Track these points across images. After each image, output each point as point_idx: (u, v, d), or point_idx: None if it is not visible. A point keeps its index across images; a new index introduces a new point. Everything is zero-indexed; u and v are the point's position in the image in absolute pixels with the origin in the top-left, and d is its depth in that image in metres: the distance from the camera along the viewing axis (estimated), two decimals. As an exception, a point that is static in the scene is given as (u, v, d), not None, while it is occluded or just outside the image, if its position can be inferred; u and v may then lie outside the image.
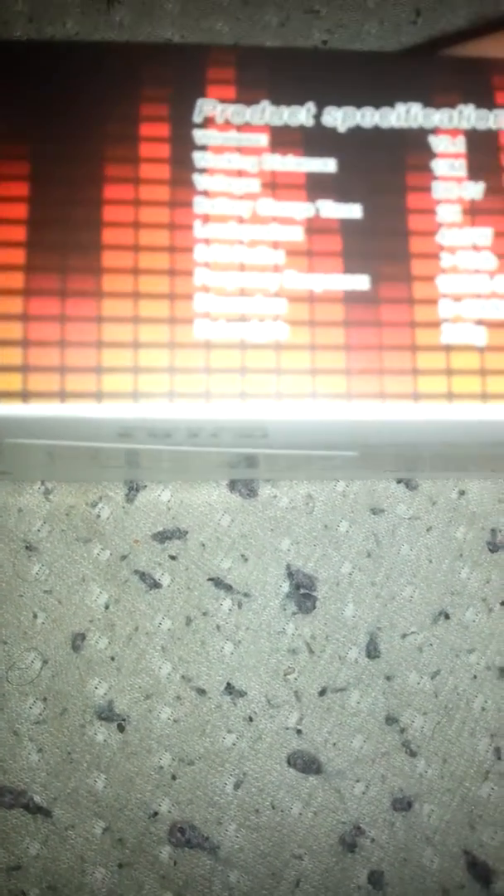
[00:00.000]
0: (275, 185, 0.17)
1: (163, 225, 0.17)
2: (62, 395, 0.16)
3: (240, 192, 0.17)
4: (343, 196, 0.17)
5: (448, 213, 0.17)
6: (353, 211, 0.17)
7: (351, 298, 0.17)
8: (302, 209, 0.17)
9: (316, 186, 0.17)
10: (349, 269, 0.17)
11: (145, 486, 0.26)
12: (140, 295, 0.16)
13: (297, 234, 0.17)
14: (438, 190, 0.17)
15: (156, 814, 0.24)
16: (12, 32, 0.30)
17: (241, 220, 0.17)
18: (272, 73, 0.18)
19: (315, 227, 0.17)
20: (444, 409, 0.16)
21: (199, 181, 0.17)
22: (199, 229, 0.17)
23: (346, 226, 0.17)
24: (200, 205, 0.17)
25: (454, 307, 0.17)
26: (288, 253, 0.17)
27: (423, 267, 0.17)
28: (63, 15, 0.30)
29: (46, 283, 0.16)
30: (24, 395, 0.16)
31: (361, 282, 0.17)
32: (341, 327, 0.17)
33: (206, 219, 0.17)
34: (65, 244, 0.16)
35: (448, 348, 0.16)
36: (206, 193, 0.17)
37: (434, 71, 0.18)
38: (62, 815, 0.24)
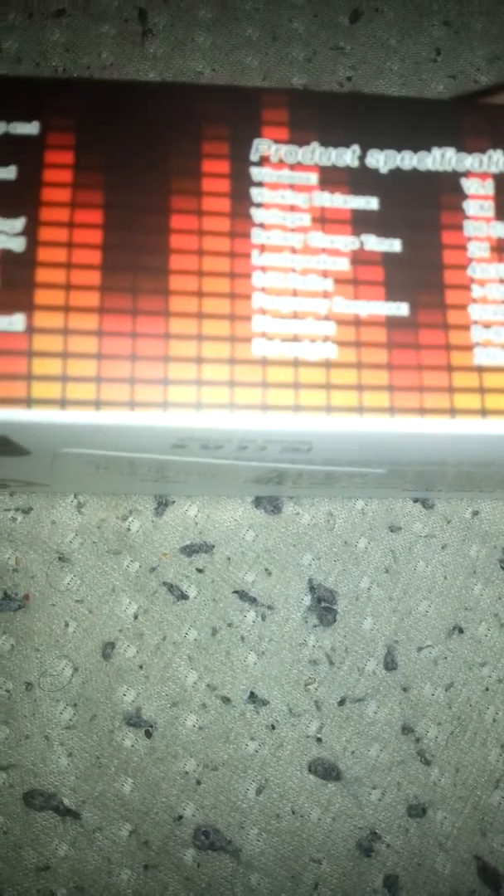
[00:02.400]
0: (324, 219, 0.19)
1: (224, 253, 0.19)
2: (132, 405, 0.18)
3: (292, 226, 0.19)
4: (384, 231, 0.20)
5: (478, 250, 0.20)
6: (394, 245, 0.19)
7: (392, 323, 0.19)
8: (348, 242, 0.19)
9: (360, 222, 0.20)
10: (390, 297, 0.19)
11: (174, 501, 0.27)
12: (203, 315, 0.18)
13: (343, 265, 0.19)
14: (469, 228, 0.20)
15: (180, 817, 0.26)
16: (50, 62, 0.31)
17: (293, 251, 0.19)
18: (321, 115, 0.20)
19: (360, 258, 0.19)
20: (477, 423, 0.18)
21: (256, 214, 0.19)
22: (256, 258, 0.19)
23: (388, 258, 0.19)
24: (257, 236, 0.19)
25: (484, 333, 0.19)
26: (336, 281, 0.19)
27: (456, 297, 0.19)
28: (99, 45, 0.32)
29: (119, 303, 0.18)
30: (98, 404, 0.18)
31: (402, 308, 0.19)
32: (384, 348, 0.19)
33: (262, 248, 0.19)
34: (136, 268, 0.19)
35: (480, 369, 0.19)
36: (262, 226, 0.19)
37: (467, 118, 0.20)
38: (90, 817, 0.25)
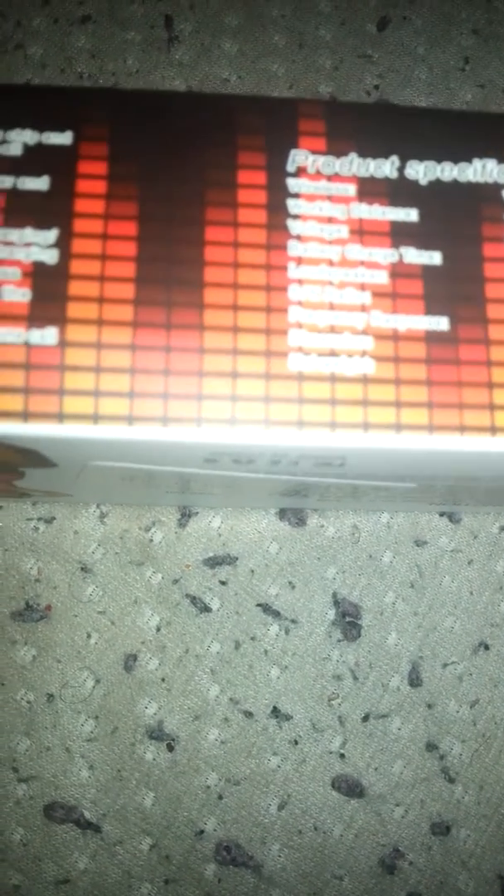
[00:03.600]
0: (362, 231, 0.19)
1: (260, 266, 0.19)
2: (165, 420, 0.18)
3: (330, 238, 0.19)
4: (424, 244, 0.19)
5: None
6: (434, 258, 0.19)
7: (432, 338, 0.19)
8: (387, 255, 0.19)
9: (399, 234, 0.19)
10: (430, 311, 0.19)
11: (197, 513, 0.28)
12: (238, 329, 0.18)
13: (382, 278, 0.19)
14: None
15: (202, 832, 0.26)
16: (75, 68, 0.32)
17: (331, 264, 0.19)
18: (358, 126, 0.20)
19: (399, 271, 0.19)
20: None
21: (293, 226, 0.19)
22: (293, 270, 0.19)
23: (427, 271, 0.19)
24: (294, 248, 0.19)
25: None
26: (374, 294, 0.19)
27: (497, 311, 0.19)
28: (124, 52, 0.32)
29: (153, 317, 0.18)
30: (130, 419, 0.18)
31: (441, 323, 0.19)
32: (423, 364, 0.18)
33: (299, 261, 0.19)
34: (170, 280, 0.18)
35: None
36: (299, 238, 0.19)
37: None
38: (111, 830, 0.25)
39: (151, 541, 0.27)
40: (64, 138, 0.19)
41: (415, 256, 0.19)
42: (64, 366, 0.17)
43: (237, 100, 0.20)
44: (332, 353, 0.18)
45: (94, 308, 0.18)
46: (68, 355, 0.18)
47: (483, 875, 0.26)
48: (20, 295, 0.18)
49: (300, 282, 0.19)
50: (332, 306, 0.19)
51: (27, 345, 0.18)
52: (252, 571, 0.27)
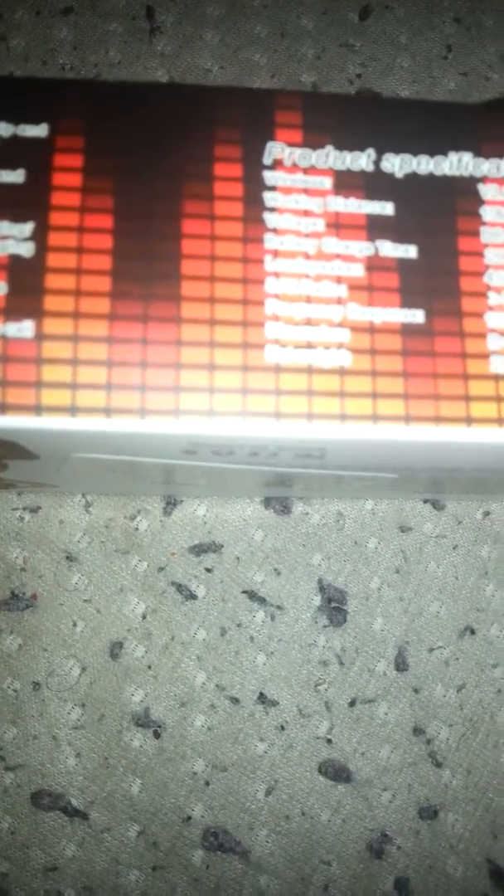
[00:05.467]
0: (338, 225, 0.19)
1: (236, 258, 0.19)
2: (142, 412, 0.18)
3: (306, 231, 0.19)
4: (400, 237, 0.20)
5: (495, 256, 0.20)
6: (409, 251, 0.20)
7: (408, 330, 0.19)
8: (363, 248, 0.19)
9: (375, 227, 0.20)
10: (406, 304, 0.19)
11: (182, 501, 0.28)
12: (215, 322, 0.19)
13: (358, 271, 0.19)
14: (486, 234, 0.20)
15: (189, 818, 0.26)
16: (57, 60, 0.32)
17: (307, 256, 0.19)
18: (335, 118, 0.20)
19: (375, 264, 0.19)
20: (494, 432, 0.18)
21: (270, 219, 0.19)
22: (270, 263, 0.19)
23: (403, 264, 0.19)
24: (270, 241, 0.19)
25: (501, 341, 0.19)
26: (350, 287, 0.19)
27: (472, 304, 0.19)
28: (106, 43, 0.32)
29: (130, 309, 0.18)
30: (108, 411, 0.18)
31: (417, 315, 0.19)
32: (399, 356, 0.19)
33: (275, 254, 0.19)
34: (147, 274, 0.19)
35: (497, 377, 0.19)
36: (275, 231, 0.19)
37: (484, 122, 0.21)
38: (98, 818, 0.26)
39: (137, 529, 0.28)
40: (39, 131, 0.19)
41: (390, 250, 0.19)
42: (41, 358, 0.18)
43: (214, 91, 0.20)
44: (309, 346, 0.19)
45: (71, 301, 0.18)
46: (45, 348, 0.18)
47: (471, 859, 0.27)
48: None
49: (277, 275, 0.19)
50: (308, 299, 0.19)
51: (3, 338, 0.18)
52: (237, 559, 0.28)
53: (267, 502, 0.28)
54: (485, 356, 0.19)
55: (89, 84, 0.20)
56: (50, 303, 0.18)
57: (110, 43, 0.32)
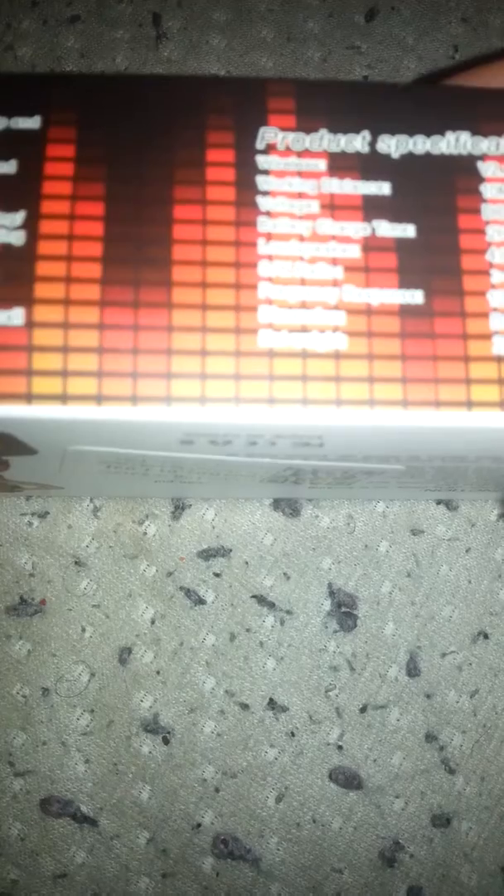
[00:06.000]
0: (333, 206, 0.19)
1: (228, 242, 0.19)
2: (134, 399, 0.18)
3: (300, 213, 0.19)
4: (397, 217, 0.19)
5: (497, 234, 0.19)
6: (408, 230, 0.19)
7: (406, 312, 0.18)
8: (359, 228, 0.19)
9: (372, 208, 0.19)
10: (404, 285, 0.19)
11: (190, 505, 0.28)
12: (208, 307, 0.18)
13: (354, 252, 0.19)
14: (487, 212, 0.19)
15: (199, 825, 0.26)
16: (65, 67, 0.32)
17: (301, 239, 0.19)
18: (329, 103, 0.20)
19: (371, 245, 0.19)
20: (496, 416, 0.18)
21: (262, 202, 0.19)
22: (263, 246, 0.19)
23: (401, 244, 0.19)
24: (263, 224, 0.19)
25: None
26: (346, 269, 0.19)
27: (474, 283, 0.19)
28: (113, 51, 0.33)
29: (120, 295, 0.18)
30: (99, 399, 0.17)
31: (416, 296, 0.19)
32: (397, 338, 0.18)
33: (268, 237, 0.19)
34: (138, 259, 0.18)
35: (499, 359, 0.18)
36: (268, 214, 0.19)
37: (481, 102, 0.20)
38: (108, 824, 0.26)
39: (145, 534, 0.28)
40: (32, 123, 0.19)
41: (388, 230, 0.19)
42: (32, 346, 0.17)
43: (205, 81, 0.20)
44: (304, 329, 0.18)
45: (62, 288, 0.18)
46: (36, 336, 0.17)
47: (486, 867, 0.26)
48: None
49: (270, 258, 0.18)
50: (303, 282, 0.18)
51: None
52: (246, 563, 0.28)
53: (276, 505, 0.28)
54: (487, 337, 0.18)
55: (82, 77, 0.20)
56: (41, 290, 0.18)
57: (117, 50, 0.33)
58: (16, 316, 0.18)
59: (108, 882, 0.26)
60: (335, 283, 0.19)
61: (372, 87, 0.21)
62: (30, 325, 0.18)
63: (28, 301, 0.18)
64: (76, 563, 0.27)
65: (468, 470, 0.23)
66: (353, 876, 0.26)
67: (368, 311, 0.18)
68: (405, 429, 0.18)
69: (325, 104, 0.20)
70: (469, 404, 0.18)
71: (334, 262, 0.19)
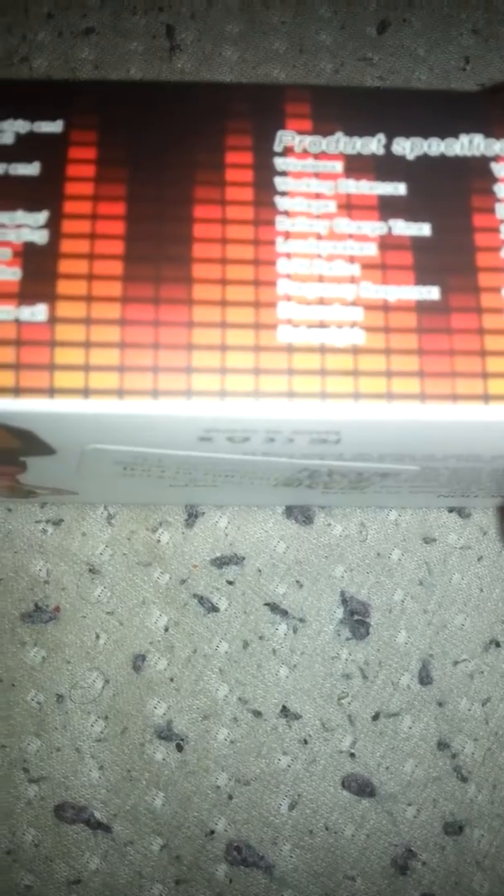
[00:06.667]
0: (350, 206, 0.19)
1: (248, 241, 0.19)
2: (155, 393, 0.18)
3: (318, 212, 0.19)
4: (413, 216, 0.19)
5: None
6: (423, 229, 0.19)
7: (423, 307, 0.19)
8: (375, 227, 0.19)
9: (388, 207, 0.19)
10: (420, 281, 0.19)
11: (203, 513, 0.28)
12: (227, 303, 0.18)
13: (371, 250, 0.19)
14: (502, 211, 0.19)
15: (212, 832, 0.26)
16: (79, 78, 0.33)
17: (319, 237, 0.19)
18: (344, 108, 0.20)
19: (388, 243, 0.19)
20: None
21: (280, 202, 0.19)
22: (281, 245, 0.19)
23: (417, 242, 0.19)
24: (282, 223, 0.19)
25: None
26: (363, 266, 0.19)
27: (489, 279, 0.19)
28: (127, 62, 0.33)
29: (142, 292, 0.18)
30: (120, 393, 0.18)
31: (432, 292, 0.19)
32: (414, 333, 0.19)
33: (287, 235, 0.19)
34: (158, 257, 0.19)
35: None
36: (286, 213, 0.19)
37: (494, 107, 0.20)
38: (122, 831, 0.26)
39: (159, 541, 0.28)
40: (55, 127, 0.19)
41: (404, 228, 0.19)
42: (54, 341, 0.18)
43: (224, 87, 0.20)
44: (322, 325, 0.18)
45: (84, 285, 0.18)
46: (58, 331, 0.18)
47: (498, 875, 0.27)
48: (10, 274, 0.18)
49: (288, 255, 0.19)
50: (321, 278, 0.19)
51: (17, 321, 0.18)
52: (259, 571, 0.28)
53: (289, 513, 0.28)
54: (503, 332, 0.19)
55: (103, 83, 0.21)
56: (63, 287, 0.18)
57: (131, 62, 0.33)
58: (39, 312, 0.18)
59: (122, 888, 0.26)
60: (353, 280, 0.19)
61: (386, 92, 0.21)
62: (52, 320, 0.18)
63: (51, 297, 0.18)
64: (90, 570, 0.28)
65: (482, 472, 0.23)
66: (366, 883, 0.26)
67: (385, 307, 0.19)
68: (422, 423, 0.19)
69: (340, 109, 0.20)
70: (486, 398, 0.18)
71: (351, 259, 0.19)
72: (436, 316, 0.19)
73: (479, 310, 0.19)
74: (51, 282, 0.18)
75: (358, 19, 0.33)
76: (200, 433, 0.19)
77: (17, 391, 0.18)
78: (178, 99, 0.20)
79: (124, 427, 0.19)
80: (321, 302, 0.19)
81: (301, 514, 0.28)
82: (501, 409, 0.18)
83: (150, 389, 0.18)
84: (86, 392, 0.18)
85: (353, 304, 0.19)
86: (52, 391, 0.18)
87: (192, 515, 0.28)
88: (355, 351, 0.18)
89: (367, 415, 0.18)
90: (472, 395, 0.18)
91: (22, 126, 0.20)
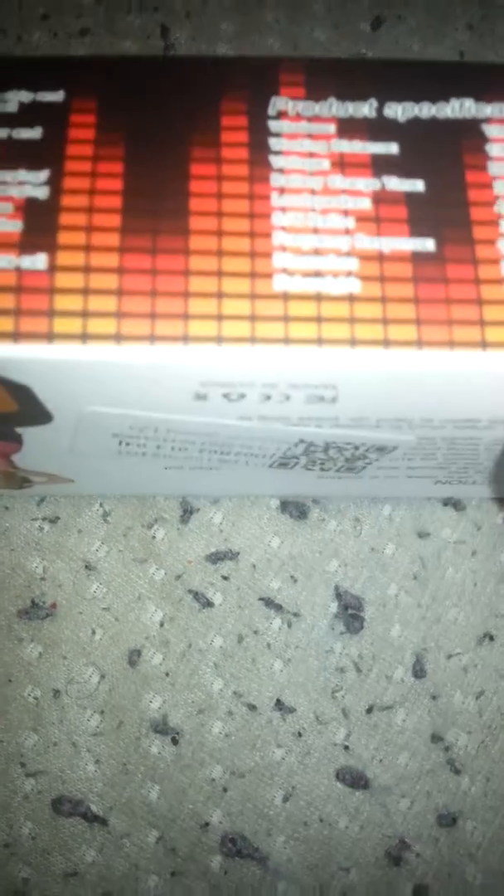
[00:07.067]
0: (343, 164, 0.20)
1: (243, 195, 0.19)
2: (152, 339, 0.18)
3: (311, 170, 0.20)
4: (406, 173, 0.20)
5: None
6: (417, 185, 0.20)
7: (418, 258, 0.19)
8: (369, 183, 0.20)
9: (381, 164, 0.20)
10: (415, 234, 0.19)
11: (198, 509, 0.29)
12: (223, 252, 0.19)
13: (365, 204, 0.19)
14: (494, 168, 0.20)
15: (207, 824, 0.27)
16: (76, 51, 0.33)
17: (313, 192, 0.19)
18: (337, 76, 0.21)
19: (382, 197, 0.19)
20: None
21: (275, 161, 0.20)
22: (276, 199, 0.19)
23: (411, 197, 0.20)
24: (276, 179, 0.20)
25: None
26: (358, 219, 0.19)
27: (483, 232, 0.19)
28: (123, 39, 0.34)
29: (139, 242, 0.19)
30: (118, 338, 0.18)
31: (427, 244, 0.19)
32: (410, 283, 0.19)
33: (281, 191, 0.19)
34: (156, 211, 0.19)
35: None
36: (281, 171, 0.20)
37: (484, 74, 0.21)
38: (117, 823, 0.27)
39: (154, 538, 0.29)
40: (56, 96, 0.20)
41: (397, 184, 0.20)
42: (53, 288, 0.18)
43: (221, 59, 0.21)
44: (317, 274, 0.19)
45: (83, 235, 0.19)
46: (58, 279, 0.18)
47: (491, 867, 0.27)
48: (11, 226, 0.19)
49: (283, 209, 0.19)
50: (315, 230, 0.19)
51: (18, 269, 0.18)
52: (254, 566, 0.29)
53: (283, 507, 0.29)
54: (499, 282, 0.19)
55: (103, 58, 0.21)
56: (63, 237, 0.19)
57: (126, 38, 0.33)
58: (39, 261, 0.18)
59: (118, 880, 0.26)
60: (347, 232, 0.19)
61: (378, 62, 0.22)
62: (52, 269, 0.18)
63: (51, 247, 0.19)
64: (86, 566, 0.28)
65: (480, 446, 0.23)
66: (360, 874, 0.26)
67: (381, 258, 0.19)
68: (420, 373, 0.19)
69: (333, 77, 0.21)
70: (483, 344, 0.19)
71: (346, 213, 0.19)
72: (431, 266, 0.19)
73: (474, 261, 0.19)
74: (51, 233, 0.19)
75: (352, 16, 0.34)
76: (197, 388, 0.19)
77: (15, 336, 0.18)
78: (176, 70, 0.21)
79: (121, 378, 0.19)
80: (316, 252, 0.19)
81: (295, 510, 0.29)
82: (498, 356, 0.19)
83: (148, 335, 0.18)
84: (84, 337, 0.18)
85: (349, 254, 0.19)
86: (50, 336, 0.18)
87: (187, 511, 0.28)
88: (351, 299, 0.19)
89: (364, 362, 0.18)
90: (469, 342, 0.19)
91: (25, 96, 0.20)
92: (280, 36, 0.33)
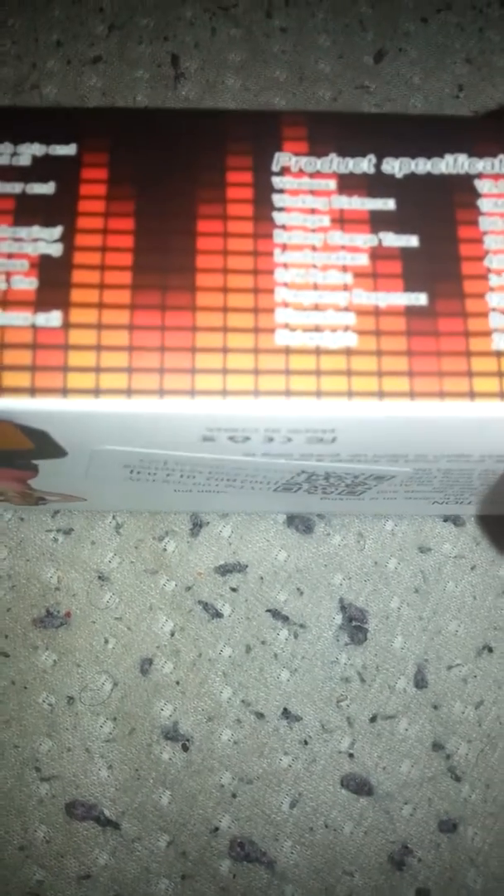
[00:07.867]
0: (343, 220, 0.21)
1: (247, 252, 0.20)
2: (161, 393, 0.19)
3: (313, 226, 0.21)
4: (402, 229, 0.21)
5: (494, 242, 0.21)
6: (411, 241, 0.21)
7: (412, 312, 0.20)
8: (367, 239, 0.21)
9: (378, 221, 0.21)
10: (409, 288, 0.20)
11: (208, 523, 0.30)
12: (228, 309, 0.20)
13: (362, 260, 0.21)
14: (485, 223, 0.21)
15: (217, 829, 0.28)
16: (87, 105, 0.34)
17: (314, 249, 0.21)
18: (338, 131, 0.22)
19: (378, 254, 0.21)
20: (497, 406, 0.20)
21: (278, 217, 0.21)
22: (279, 255, 0.21)
23: (406, 252, 0.21)
24: (279, 236, 0.21)
25: (502, 319, 0.20)
26: (355, 275, 0.20)
27: (473, 286, 0.21)
28: (133, 90, 0.35)
29: (149, 299, 0.20)
30: (129, 393, 0.19)
31: (420, 298, 0.20)
32: (404, 336, 0.20)
33: (284, 247, 0.21)
34: (165, 268, 0.20)
35: (499, 354, 0.20)
36: (283, 227, 0.21)
37: (477, 129, 0.22)
38: (129, 828, 0.28)
39: (165, 550, 0.30)
40: (69, 150, 0.21)
41: (393, 240, 0.21)
42: (67, 345, 0.19)
43: (226, 113, 0.22)
44: (317, 329, 0.20)
45: (95, 293, 0.20)
46: (71, 335, 0.19)
47: (491, 872, 0.28)
48: (27, 283, 0.20)
49: (285, 265, 0.20)
50: (315, 286, 0.20)
51: (34, 327, 0.19)
52: (261, 578, 0.30)
53: (290, 522, 0.30)
54: (487, 334, 0.20)
55: (114, 110, 0.22)
56: (76, 295, 0.20)
57: (137, 89, 0.35)
58: (53, 318, 0.20)
59: (130, 883, 0.27)
60: (346, 288, 0.20)
61: (377, 116, 0.23)
62: (66, 326, 0.20)
63: (65, 305, 0.20)
64: (99, 577, 0.29)
65: (473, 474, 0.24)
66: (364, 878, 0.28)
67: (376, 312, 0.20)
68: (412, 420, 0.20)
69: (334, 132, 0.22)
70: (472, 395, 0.20)
71: (344, 269, 0.21)
72: (424, 320, 0.20)
73: (464, 314, 0.20)
74: (65, 290, 0.20)
75: (356, 49, 0.35)
76: (203, 432, 0.20)
77: (33, 391, 0.19)
78: (183, 123, 0.22)
79: (132, 426, 0.20)
80: (316, 308, 0.20)
81: (301, 524, 0.30)
82: (485, 406, 0.20)
83: (157, 389, 0.19)
84: (97, 392, 0.19)
85: (346, 309, 0.20)
86: (65, 391, 0.19)
87: (197, 525, 0.30)
88: (348, 352, 0.20)
89: (360, 412, 0.20)
90: (458, 392, 0.20)
91: (38, 149, 0.21)
92: (286, 67, 0.35)
